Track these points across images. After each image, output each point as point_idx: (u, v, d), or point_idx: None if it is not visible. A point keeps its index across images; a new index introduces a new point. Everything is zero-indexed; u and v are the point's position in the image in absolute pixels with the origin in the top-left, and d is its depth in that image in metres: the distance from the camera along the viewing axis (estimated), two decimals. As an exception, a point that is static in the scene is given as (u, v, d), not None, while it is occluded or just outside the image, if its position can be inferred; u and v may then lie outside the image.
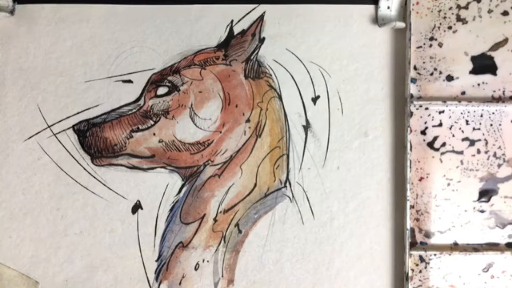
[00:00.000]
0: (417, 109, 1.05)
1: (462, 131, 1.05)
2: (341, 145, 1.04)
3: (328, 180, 1.04)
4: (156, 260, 1.03)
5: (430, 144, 1.05)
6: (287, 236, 1.03)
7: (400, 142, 1.04)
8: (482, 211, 1.04)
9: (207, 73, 1.05)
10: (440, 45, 1.06)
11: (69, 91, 1.05)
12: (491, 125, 1.05)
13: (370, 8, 1.06)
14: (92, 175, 1.03)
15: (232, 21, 1.06)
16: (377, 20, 1.06)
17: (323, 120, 1.05)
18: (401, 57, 1.05)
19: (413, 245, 1.03)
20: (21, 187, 1.04)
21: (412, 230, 1.04)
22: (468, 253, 1.02)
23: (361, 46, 1.06)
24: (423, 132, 1.05)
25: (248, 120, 1.04)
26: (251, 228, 1.03)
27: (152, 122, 1.03)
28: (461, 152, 1.05)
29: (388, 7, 1.05)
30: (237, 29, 1.06)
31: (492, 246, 1.04)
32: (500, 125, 1.05)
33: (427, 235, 1.04)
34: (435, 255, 1.03)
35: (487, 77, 1.05)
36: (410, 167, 1.02)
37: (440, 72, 1.05)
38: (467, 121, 1.05)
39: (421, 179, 1.04)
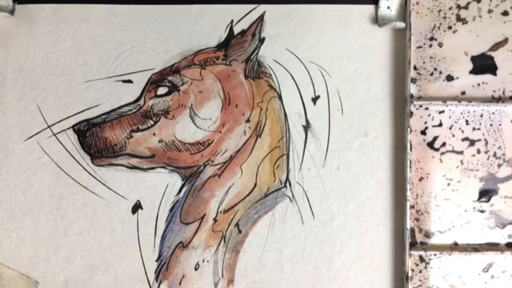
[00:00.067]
0: (417, 109, 1.05)
1: (462, 131, 1.05)
2: (341, 145, 1.04)
3: (328, 180, 1.04)
4: (156, 260, 1.03)
5: (430, 144, 1.05)
6: (287, 236, 1.03)
7: (400, 142, 1.04)
8: (482, 211, 1.04)
9: (207, 73, 1.05)
10: (440, 45, 1.06)
11: (69, 91, 1.05)
12: (491, 125, 1.05)
13: (370, 8, 1.06)
14: (92, 175, 1.04)
15: (232, 21, 1.06)
16: (377, 20, 1.06)
17: (323, 120, 1.05)
18: (401, 57, 1.05)
19: (413, 245, 1.03)
20: (21, 187, 1.04)
21: (412, 230, 1.04)
22: (468, 253, 1.02)
23: (361, 46, 1.06)
24: (423, 132, 1.05)
25: (248, 120, 1.04)
26: (251, 228, 1.03)
27: (152, 122, 1.03)
28: (461, 152, 1.05)
29: (388, 7, 1.05)
30: (237, 29, 1.06)
31: (492, 246, 1.04)
32: (500, 125, 1.05)
33: (427, 235, 1.04)
34: (435, 255, 1.03)
35: (487, 77, 1.05)
36: (410, 167, 1.02)
37: (440, 72, 1.05)
38: (467, 121, 1.05)
39: (421, 179, 1.04)
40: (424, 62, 1.05)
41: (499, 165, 1.05)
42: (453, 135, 1.05)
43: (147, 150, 1.03)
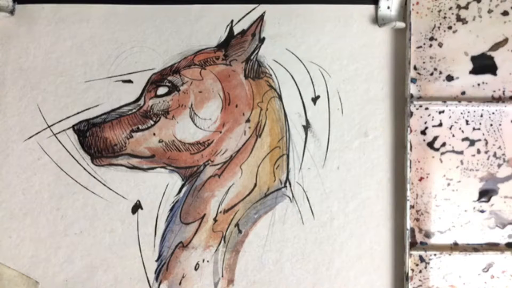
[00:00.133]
0: (417, 109, 1.05)
1: (462, 131, 1.05)
2: (341, 145, 1.04)
3: (328, 180, 1.04)
4: (156, 260, 1.03)
5: (430, 144, 1.05)
6: (287, 236, 1.03)
7: (400, 142, 1.04)
8: (482, 211, 1.04)
9: (207, 73, 1.05)
10: (440, 45, 1.06)
11: (69, 91, 1.05)
12: (491, 125, 1.05)
13: (370, 8, 1.06)
14: (92, 175, 1.04)
15: (232, 21, 1.06)
16: (377, 20, 1.06)
17: (323, 120, 1.05)
18: (401, 57, 1.05)
19: (413, 245, 1.03)
20: (21, 187, 1.04)
21: (412, 230, 1.04)
22: (468, 253, 1.02)
23: (361, 46, 1.06)
24: (423, 132, 1.05)
25: (248, 120, 1.04)
26: (251, 228, 1.03)
27: (152, 122, 1.03)
28: (461, 152, 1.05)
29: (388, 7, 1.05)
30: (237, 29, 1.06)
31: (492, 246, 1.04)
32: (500, 125, 1.05)
33: (427, 235, 1.04)
34: (435, 255, 1.03)
35: (487, 77, 1.05)
36: (410, 167, 1.02)
37: (440, 72, 1.05)
38: (467, 121, 1.05)
39: (421, 179, 1.04)
40: (424, 62, 1.05)
41: (499, 165, 1.05)
42: (453, 135, 1.05)
43: (147, 150, 1.03)
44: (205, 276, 1.03)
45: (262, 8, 1.06)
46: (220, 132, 1.04)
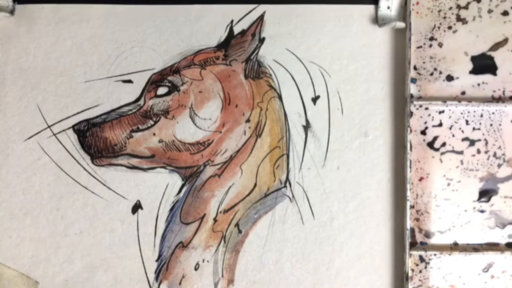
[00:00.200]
0: (417, 109, 1.05)
1: (462, 131, 1.05)
2: (341, 145, 1.04)
3: (328, 180, 1.04)
4: (156, 260, 1.03)
5: (430, 144, 1.05)
6: (287, 236, 1.03)
7: (400, 142, 1.04)
8: (482, 211, 1.04)
9: (207, 73, 1.05)
10: (440, 45, 1.06)
11: (69, 91, 1.05)
12: (491, 125, 1.05)
13: (370, 8, 1.06)
14: (92, 175, 1.04)
15: (232, 21, 1.06)
16: (377, 20, 1.06)
17: (323, 120, 1.05)
18: (401, 57, 1.05)
19: (413, 245, 1.03)
20: (21, 187, 1.04)
21: (412, 230, 1.04)
22: (468, 253, 1.02)
23: (361, 46, 1.06)
24: (423, 132, 1.05)
25: (248, 120, 1.04)
26: (251, 228, 1.03)
27: (152, 122, 1.03)
28: (461, 152, 1.05)
29: (388, 7, 1.05)
30: (237, 29, 1.06)
31: (492, 246, 1.04)
32: (500, 125, 1.05)
33: (427, 235, 1.04)
34: (435, 255, 1.03)
35: (487, 77, 1.05)
36: (410, 167, 1.02)
37: (440, 72, 1.05)
38: (467, 121, 1.05)
39: (421, 179, 1.04)
40: (424, 62, 1.05)
41: (499, 165, 1.05)
42: (453, 135, 1.05)
43: (147, 150, 1.03)
44: (205, 276, 1.03)
45: (262, 8, 1.06)
46: (220, 132, 1.04)
